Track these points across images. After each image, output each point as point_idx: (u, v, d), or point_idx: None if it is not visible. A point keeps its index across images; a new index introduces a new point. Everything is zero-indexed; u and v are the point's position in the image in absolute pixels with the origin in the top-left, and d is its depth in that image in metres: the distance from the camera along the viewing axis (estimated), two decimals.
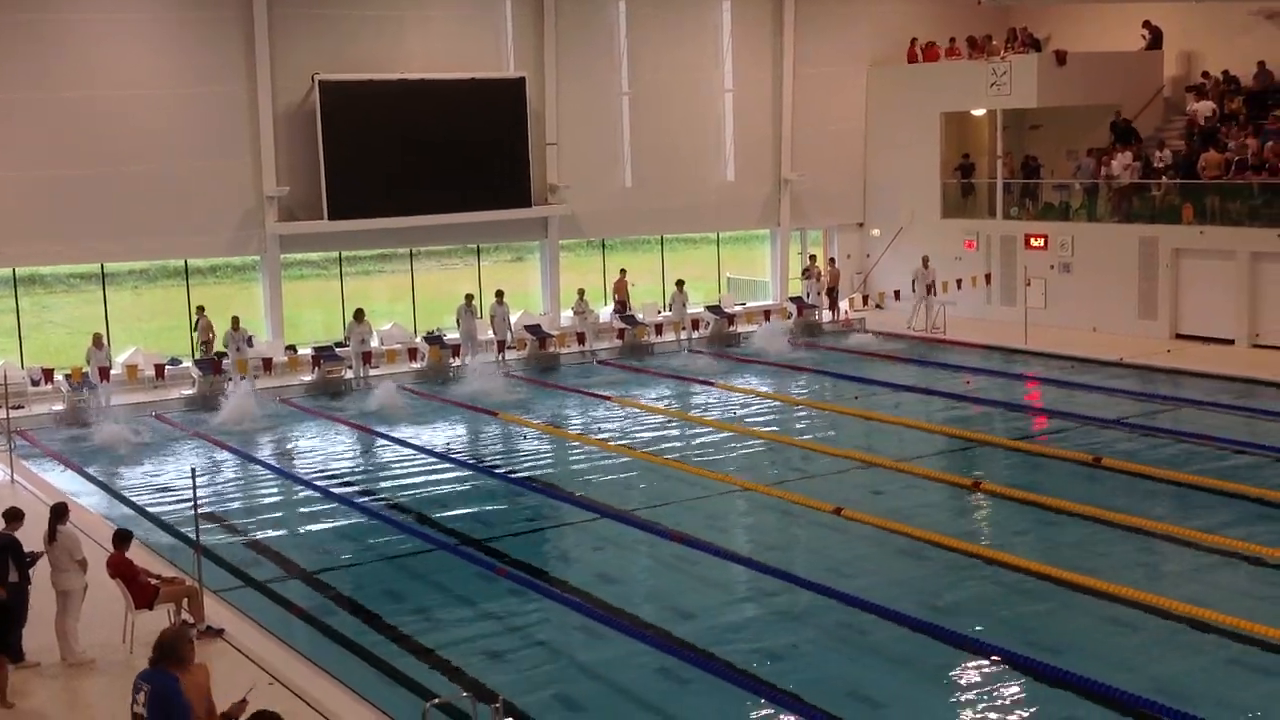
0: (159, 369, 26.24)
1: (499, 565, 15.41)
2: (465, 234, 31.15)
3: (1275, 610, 13.25)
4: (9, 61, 25.95)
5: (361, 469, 20.88)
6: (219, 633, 12.95)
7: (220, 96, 27.95)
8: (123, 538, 13.13)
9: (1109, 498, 17.38)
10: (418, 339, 29.38)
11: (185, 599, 13.06)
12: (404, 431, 23.07)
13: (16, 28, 25.95)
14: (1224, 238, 28.16)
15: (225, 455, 21.70)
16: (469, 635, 13.38)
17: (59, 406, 24.79)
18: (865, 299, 35.19)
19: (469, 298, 29.01)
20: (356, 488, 19.38)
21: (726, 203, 34.44)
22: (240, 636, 12.98)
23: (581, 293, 30.96)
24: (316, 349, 27.89)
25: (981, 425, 22.33)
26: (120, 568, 12.89)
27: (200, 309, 27.05)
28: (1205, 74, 32.25)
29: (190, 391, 26.03)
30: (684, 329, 31.23)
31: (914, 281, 31.68)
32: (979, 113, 34.54)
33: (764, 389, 26.06)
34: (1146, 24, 33.09)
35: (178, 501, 18.37)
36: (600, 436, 22.23)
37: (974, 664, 12.20)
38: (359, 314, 27.68)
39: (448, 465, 20.56)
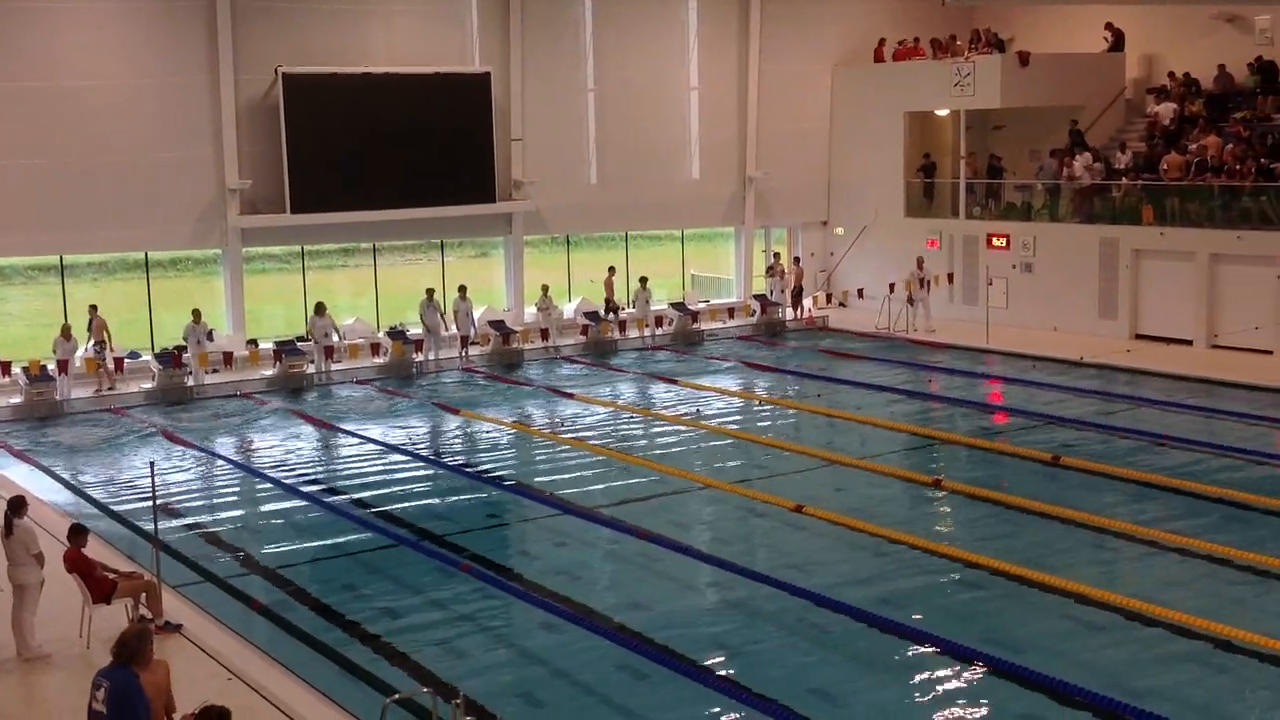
0: (119, 362, 26.03)
1: (461, 561, 15.38)
2: (429, 229, 31.06)
3: (1230, 608, 13.39)
4: None
5: (322, 464, 20.77)
6: (177, 628, 12.87)
7: (182, 88, 27.74)
8: (79, 532, 13.03)
9: (1068, 495, 17.52)
10: (380, 334, 29.27)
11: (143, 594, 12.97)
12: (365, 426, 22.98)
13: None
14: (1184, 239, 28.42)
15: (184, 450, 21.55)
16: (430, 631, 13.35)
17: (16, 400, 24.55)
18: (829, 297, 35.31)
19: (430, 292, 28.92)
20: (317, 483, 19.28)
21: (691, 200, 34.48)
22: (199, 632, 12.90)
23: (545, 289, 30.93)
24: (278, 343, 27.74)
25: (943, 423, 22.45)
26: (77, 562, 12.78)
27: (93, 308, 26.16)
28: (1171, 75, 32.53)
29: (150, 385, 25.82)
30: (647, 326, 31.25)
31: (908, 282, 31.25)
32: (943, 113, 34.73)
33: (727, 386, 26.11)
34: (1109, 26, 33.37)
35: (136, 496, 18.23)
36: (563, 433, 22.22)
37: (932, 659, 12.27)
38: (320, 308, 27.54)
39: (409, 460, 20.49)
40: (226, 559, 15.84)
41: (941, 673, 12.01)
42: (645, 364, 29.07)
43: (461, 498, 18.52)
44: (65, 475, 19.98)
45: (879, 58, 35.62)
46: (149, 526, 14.69)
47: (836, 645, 12.79)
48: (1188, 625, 12.82)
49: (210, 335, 26.74)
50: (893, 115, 34.49)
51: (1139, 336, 28.96)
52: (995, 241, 32.09)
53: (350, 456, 21.09)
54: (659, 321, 31.64)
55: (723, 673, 12.05)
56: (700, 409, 23.95)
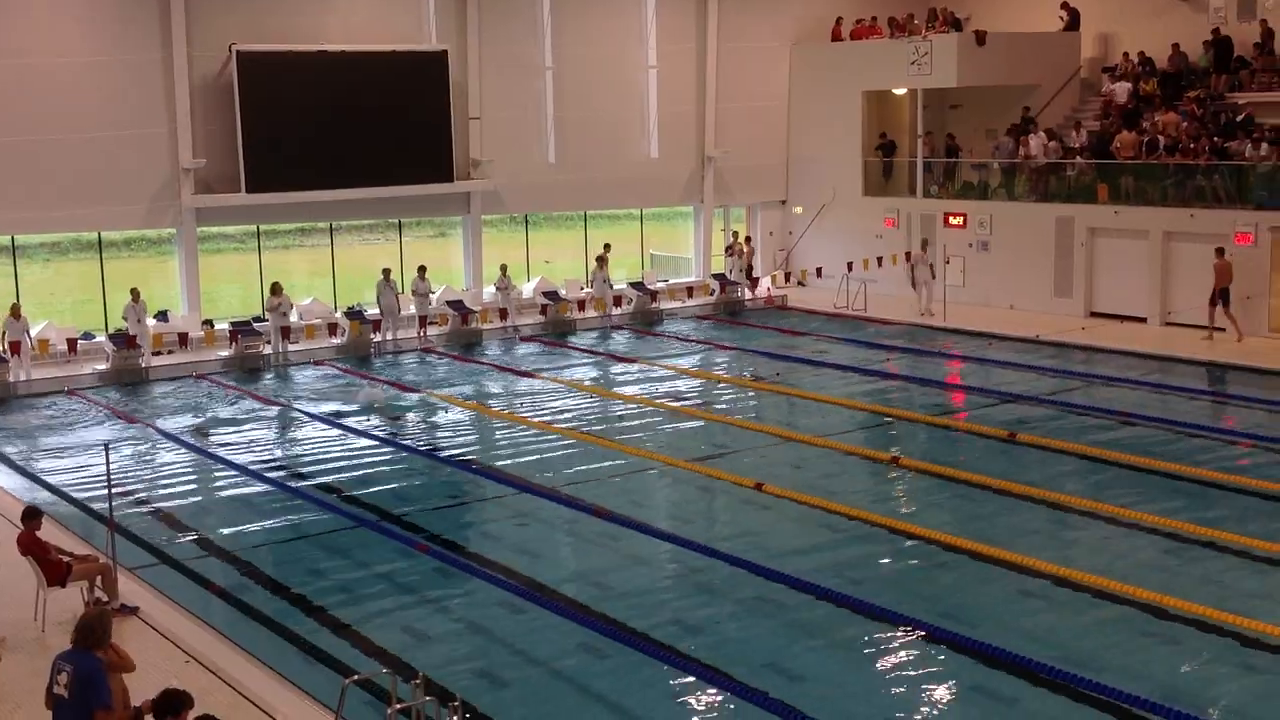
0: (71, 343, 25.76)
1: (420, 541, 15.35)
2: (386, 208, 30.89)
3: (1183, 583, 13.56)
4: None
5: (279, 445, 20.64)
6: (133, 611, 12.77)
7: (135, 66, 27.42)
8: (32, 514, 12.90)
9: (1024, 472, 17.68)
10: (338, 314, 29.11)
11: (98, 576, 12.86)
12: (324, 407, 22.87)
13: None
14: (1138, 217, 28.66)
15: (139, 431, 21.36)
16: (390, 612, 13.32)
17: None
18: (788, 276, 35.39)
19: (386, 272, 28.77)
20: (274, 464, 19.17)
21: (650, 179, 34.44)
22: (155, 615, 12.82)
23: (504, 268, 30.83)
24: (234, 324, 27.53)
25: (901, 401, 22.58)
26: (31, 545, 12.66)
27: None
28: (1125, 55, 32.75)
29: (103, 367, 25.56)
30: (606, 304, 31.25)
31: (912, 266, 30.68)
32: (900, 92, 34.84)
33: (686, 365, 26.14)
34: (1064, 5, 33.54)
35: (91, 478, 18.06)
36: (522, 412, 22.18)
37: (890, 635, 12.37)
38: (276, 288, 27.35)
39: (368, 441, 20.40)
40: (183, 541, 15.73)
41: (899, 647, 12.11)
42: (604, 343, 29.06)
43: (420, 478, 18.46)
44: (17, 458, 19.77)
45: (836, 36, 35.66)
46: (103, 509, 14.56)
47: (796, 621, 12.86)
48: (1143, 600, 12.96)
49: (164, 315, 26.46)
50: (850, 94, 34.57)
51: (1094, 314, 29.21)
52: (952, 220, 32.26)
53: (307, 437, 20.98)
54: (618, 301, 31.63)
55: (682, 649, 12.09)
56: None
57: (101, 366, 25.62)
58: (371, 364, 27.07)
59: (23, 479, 18.58)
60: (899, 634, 12.38)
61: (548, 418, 21.71)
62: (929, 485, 17.55)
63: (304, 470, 18.82)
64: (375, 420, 21.91)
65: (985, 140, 33.62)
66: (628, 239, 35.44)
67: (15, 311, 24.92)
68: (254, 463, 19.16)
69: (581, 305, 31.18)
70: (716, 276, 33.91)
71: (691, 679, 11.47)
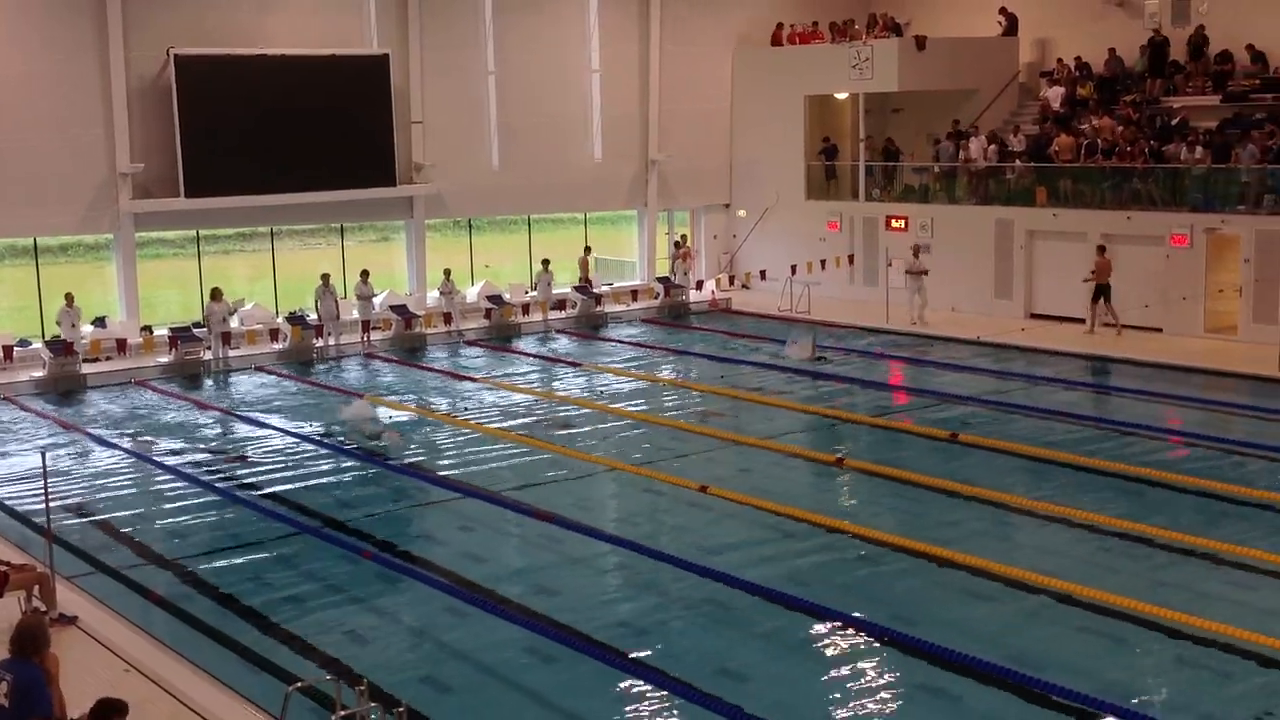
0: (7, 350, 25.37)
1: (364, 548, 15.23)
2: (328, 213, 30.67)
3: (1122, 580, 13.72)
4: None
5: (221, 452, 20.40)
6: (71, 620, 12.58)
7: (71, 69, 27.08)
8: None
9: (966, 472, 17.83)
10: (279, 319, 28.86)
11: (35, 585, 12.65)
12: (264, 413, 22.66)
13: None
14: (1076, 220, 29.02)
15: (77, 438, 21.06)
16: (334, 619, 13.21)
17: None
18: (732, 279, 35.50)
19: (325, 277, 28.54)
20: (216, 471, 18.95)
21: (594, 183, 34.44)
22: (94, 624, 12.63)
23: (448, 273, 30.70)
24: (174, 330, 27.23)
25: (845, 403, 22.69)
26: None
27: None
28: (1059, 61, 33.15)
29: (41, 374, 25.18)
30: (549, 307, 31.23)
31: (905, 272, 30.00)
32: (842, 96, 35.06)
33: (631, 369, 26.15)
34: (1003, 10, 33.89)
35: (28, 487, 17.77)
36: (467, 417, 22.09)
37: (836, 636, 12.43)
38: (216, 293, 27.09)
39: (311, 447, 20.22)
40: (122, 550, 15.52)
41: (844, 648, 12.17)
42: (549, 347, 29.02)
43: (364, 484, 18.32)
44: None
45: (777, 41, 35.84)
46: (41, 518, 14.34)
47: (742, 623, 12.88)
48: (1084, 597, 13.10)
49: (102, 321, 26.11)
50: (793, 98, 34.76)
51: (1033, 315, 29.52)
52: (894, 223, 32.50)
53: (249, 444, 20.75)
54: (562, 305, 31.61)
55: (629, 652, 12.08)
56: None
57: (39, 373, 25.24)
58: (314, 369, 26.86)
59: None
60: (845, 634, 12.44)
61: (492, 421, 21.63)
62: (873, 486, 17.66)
63: (245, 476, 18.62)
64: (317, 426, 21.68)
65: (926, 144, 33.90)
66: (572, 243, 35.42)
67: None
68: (194, 470, 18.93)
69: (526, 309, 31.09)
70: (661, 280, 33.96)
71: (638, 682, 11.46)
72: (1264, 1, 29.72)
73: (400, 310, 29.60)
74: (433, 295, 31.13)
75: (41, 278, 27.58)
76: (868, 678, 11.53)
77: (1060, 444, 19.11)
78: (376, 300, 29.49)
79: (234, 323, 27.69)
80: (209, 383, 25.79)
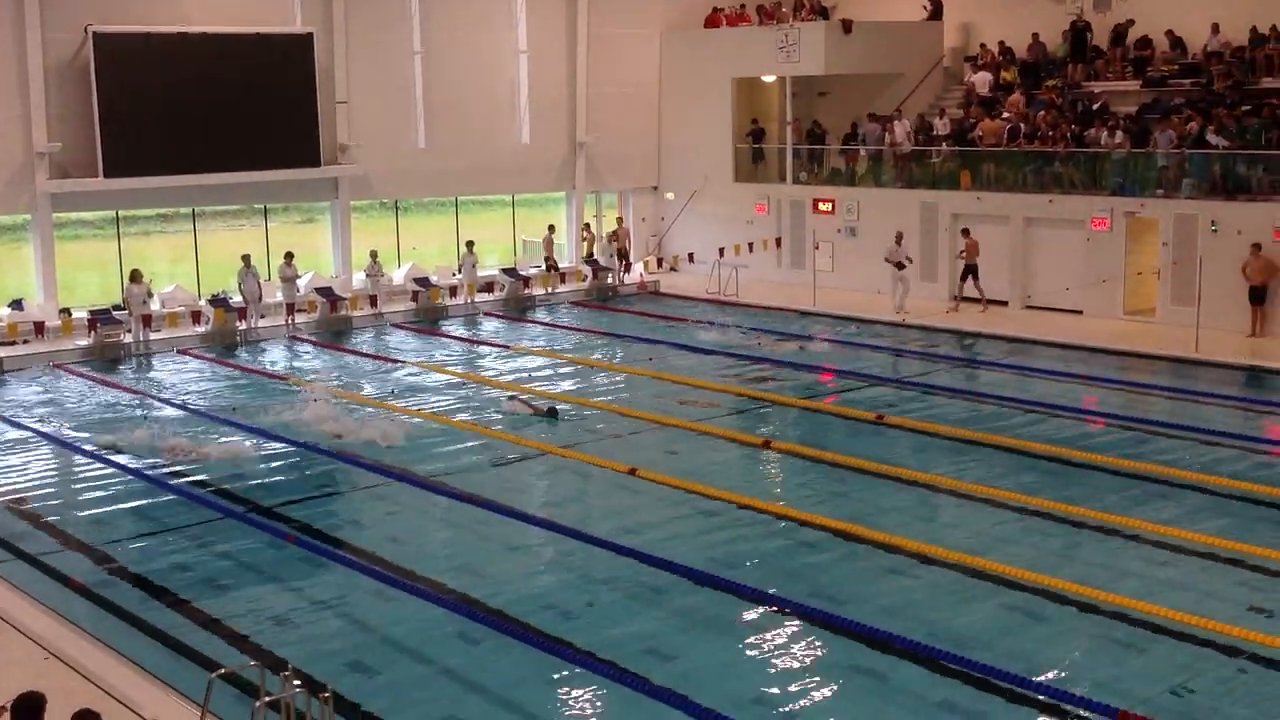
0: None
1: (289, 532, 15.09)
2: (251, 193, 30.25)
3: (1044, 558, 13.94)
4: None
5: (142, 436, 20.03)
6: None
7: None
8: None
9: (891, 453, 18.01)
10: (201, 302, 28.45)
11: None
12: (187, 396, 22.35)
13: None
14: (999, 203, 29.37)
15: None
16: (258, 604, 13.08)
17: None
18: (660, 262, 35.51)
19: (246, 258, 28.13)
20: (137, 455, 18.63)
21: (522, 165, 34.27)
22: (13, 611, 12.41)
23: (374, 254, 30.41)
24: (93, 312, 26.75)
25: (771, 385, 22.79)
26: None
27: None
28: (982, 46, 33.48)
29: None
30: (477, 290, 31.08)
31: (886, 260, 29.35)
32: (769, 79, 35.16)
33: (559, 351, 26.10)
34: None
35: None
36: (393, 400, 21.93)
37: (763, 616, 12.51)
38: (136, 275, 26.65)
39: (234, 430, 19.95)
40: (41, 536, 15.23)
41: (772, 628, 12.25)
42: (476, 330, 28.88)
43: (289, 468, 18.12)
44: None
45: (713, 24, 35.84)
46: None
47: (670, 605, 12.92)
48: (1007, 575, 13.30)
49: (19, 304, 25.59)
50: (721, 81, 34.80)
51: (958, 298, 29.82)
52: (821, 206, 32.69)
53: (168, 427, 20.41)
54: (490, 287, 31.46)
55: (558, 635, 12.07)
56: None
57: None
58: (237, 353, 26.52)
59: None
60: (771, 613, 12.53)
61: (418, 404, 21.50)
62: (800, 467, 17.78)
63: (166, 461, 18.32)
64: (241, 409, 21.38)
65: (852, 127, 34.09)
66: (500, 225, 35.24)
67: None
68: (114, 454, 18.61)
69: (453, 291, 30.91)
70: (589, 262, 33.90)
71: (567, 664, 11.46)
72: None
73: (325, 293, 29.29)
74: (358, 277, 30.84)
75: None
76: (794, 656, 11.63)
77: (983, 424, 19.35)
78: (301, 282, 29.16)
79: (155, 305, 27.25)
80: (129, 366, 25.37)
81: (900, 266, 28.68)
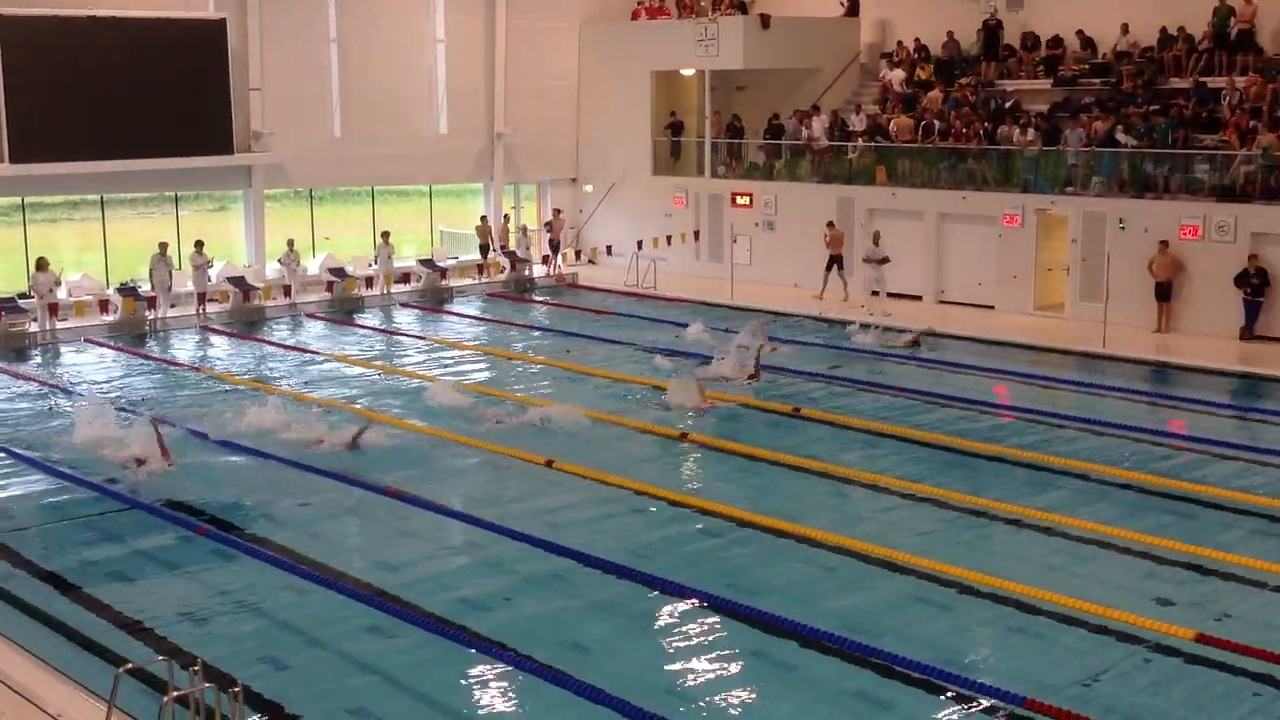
0: None
1: (199, 525, 14.86)
2: (162, 181, 29.74)
3: (954, 549, 14.13)
4: None
5: (48, 427, 19.62)
6: None
7: None
8: None
9: (807, 446, 18.13)
10: (110, 290, 27.91)
11: None
12: (95, 386, 21.91)
13: None
14: (914, 199, 29.72)
15: None
16: (167, 598, 12.86)
17: None
18: (578, 254, 35.46)
19: (163, 246, 27.69)
20: (43, 447, 18.22)
21: (439, 155, 34.05)
22: None
23: (291, 244, 30.04)
24: None
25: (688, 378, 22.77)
26: None
27: None
28: (899, 43, 33.83)
29: None
30: (393, 281, 30.83)
31: (864, 260, 29.19)
32: (688, 72, 35.24)
33: (477, 343, 25.97)
34: None
35: None
36: (307, 391, 21.68)
37: (679, 608, 12.53)
38: (42, 263, 26.08)
39: (144, 422, 19.51)
40: None
41: (686, 620, 12.28)
42: (392, 321, 28.64)
43: (199, 459, 17.83)
44: None
45: (636, 16, 35.84)
46: None
47: (587, 598, 12.91)
48: (919, 567, 13.46)
49: None
50: (640, 74, 34.83)
51: (875, 293, 30.08)
52: (739, 200, 32.84)
53: (73, 416, 19.98)
54: (407, 278, 31.22)
55: (474, 628, 12.01)
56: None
57: None
58: (146, 343, 26.06)
59: None
60: (687, 606, 12.56)
61: (334, 395, 21.28)
62: (716, 460, 17.86)
63: (75, 451, 17.94)
64: (151, 400, 21.00)
65: (770, 121, 34.27)
66: (417, 216, 34.98)
67: None
68: (17, 444, 18.20)
69: (369, 282, 30.64)
70: (507, 253, 33.77)
71: (483, 657, 11.42)
72: None
73: (238, 282, 28.88)
74: (273, 267, 30.44)
75: None
76: (709, 648, 11.67)
77: (897, 418, 19.57)
78: (213, 272, 28.72)
79: (62, 294, 26.69)
80: (35, 356, 24.83)
81: (882, 263, 28.39)
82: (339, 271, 30.43)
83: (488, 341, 26.25)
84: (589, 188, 36.50)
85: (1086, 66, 30.33)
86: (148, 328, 27.00)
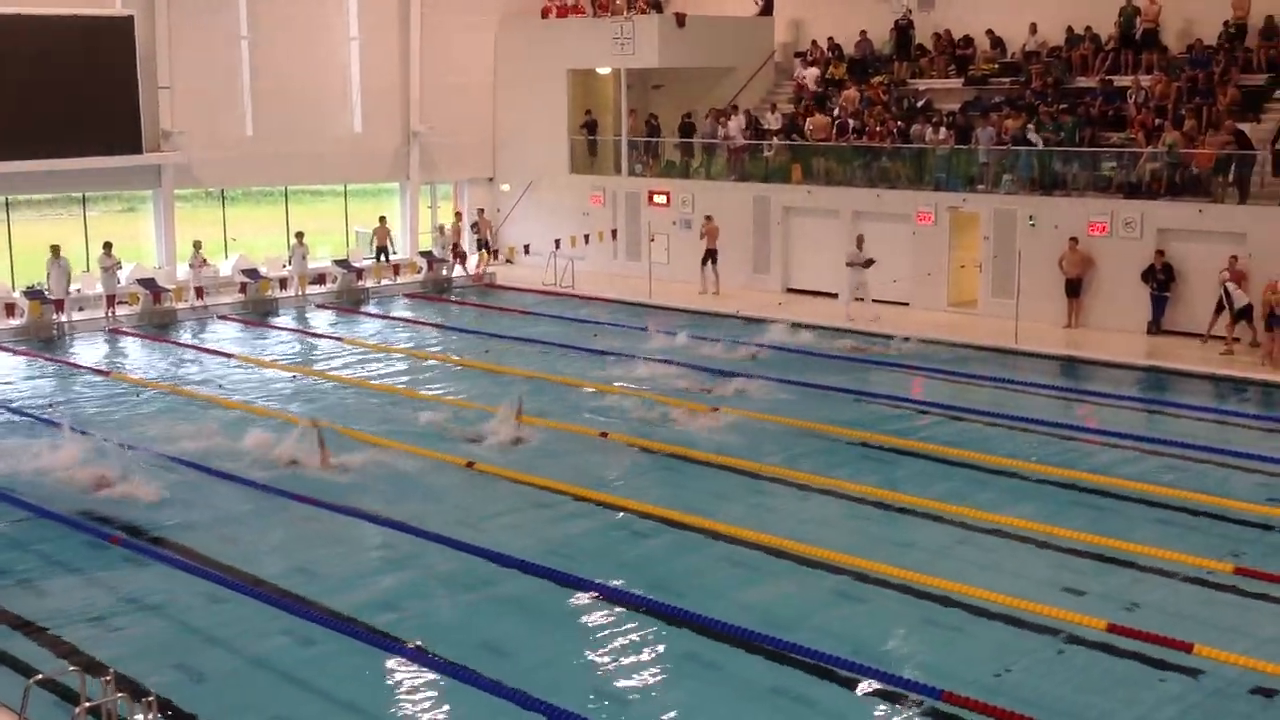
0: None
1: (111, 533, 14.59)
2: (68, 182, 29.14)
3: (869, 543, 14.29)
4: None
5: None
6: None
7: None
8: None
9: (725, 444, 18.21)
10: (16, 294, 27.31)
11: None
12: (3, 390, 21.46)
13: None
14: (829, 197, 29.96)
15: None
16: (78, 607, 12.61)
17: None
18: (496, 254, 35.31)
19: (55, 249, 27.05)
20: None
21: (354, 154, 33.74)
22: None
23: (198, 245, 29.56)
24: None
25: (606, 377, 22.80)
26: None
27: None
28: (813, 43, 34.10)
29: None
30: (308, 282, 30.50)
31: (848, 264, 28.24)
32: (604, 71, 35.24)
33: (393, 344, 25.78)
34: None
35: None
36: (220, 394, 21.37)
37: (600, 607, 12.54)
38: None
39: (49, 428, 19.17)
40: None
41: (608, 619, 12.29)
42: (307, 322, 28.34)
43: (110, 466, 17.47)
44: None
45: (546, 14, 35.76)
46: None
47: (505, 598, 12.87)
48: (835, 562, 13.59)
49: None
50: (556, 72, 34.77)
51: (790, 290, 30.37)
52: (656, 199, 32.91)
53: None
54: (322, 279, 30.90)
55: (391, 632, 11.93)
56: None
57: None
58: (54, 346, 25.53)
59: None
60: (608, 605, 12.57)
61: (246, 398, 21.00)
62: (636, 458, 17.87)
63: None
64: (57, 405, 20.58)
65: (686, 120, 34.37)
66: (332, 216, 34.63)
67: None
68: None
69: (283, 283, 30.27)
70: (424, 254, 33.54)
71: (400, 660, 11.34)
72: None
73: (148, 284, 28.39)
74: (183, 268, 29.96)
75: None
76: (631, 648, 11.69)
77: (816, 415, 19.70)
78: (122, 274, 28.20)
79: None
80: None
81: (866, 266, 27.60)
82: (252, 273, 30.03)
83: (403, 343, 26.03)
84: (506, 187, 36.37)
85: (996, 66, 30.80)
86: (55, 331, 26.44)
